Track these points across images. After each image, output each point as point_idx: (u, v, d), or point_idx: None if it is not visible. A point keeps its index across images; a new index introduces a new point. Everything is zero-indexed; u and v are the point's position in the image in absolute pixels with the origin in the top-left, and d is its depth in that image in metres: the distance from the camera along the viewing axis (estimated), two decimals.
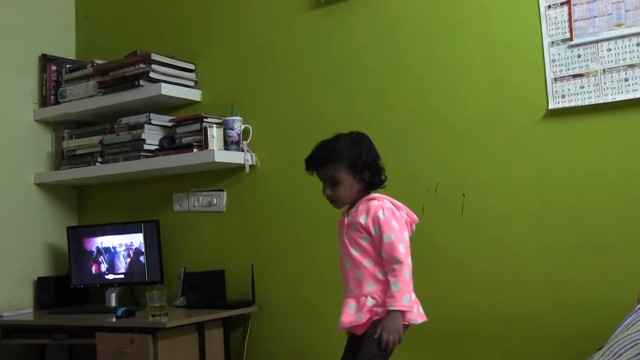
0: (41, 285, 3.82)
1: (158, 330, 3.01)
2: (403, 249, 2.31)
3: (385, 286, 2.34)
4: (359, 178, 2.44)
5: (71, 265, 3.81)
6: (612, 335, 2.33)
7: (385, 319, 2.31)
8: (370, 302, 2.36)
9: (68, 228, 3.88)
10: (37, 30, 4.02)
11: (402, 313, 2.30)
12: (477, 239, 2.90)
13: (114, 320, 3.20)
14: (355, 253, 2.41)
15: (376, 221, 2.35)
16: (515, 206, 2.82)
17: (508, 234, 2.83)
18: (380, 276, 2.36)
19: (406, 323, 2.34)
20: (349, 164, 2.42)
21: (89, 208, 4.15)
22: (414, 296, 2.37)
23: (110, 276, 3.75)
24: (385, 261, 2.33)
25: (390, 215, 2.36)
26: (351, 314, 2.40)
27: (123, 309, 3.26)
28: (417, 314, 2.39)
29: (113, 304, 3.69)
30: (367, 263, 2.37)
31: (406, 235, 2.38)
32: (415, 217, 2.49)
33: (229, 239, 3.58)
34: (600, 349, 2.32)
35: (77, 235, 3.84)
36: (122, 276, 3.72)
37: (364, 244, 2.38)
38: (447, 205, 2.96)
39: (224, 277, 3.46)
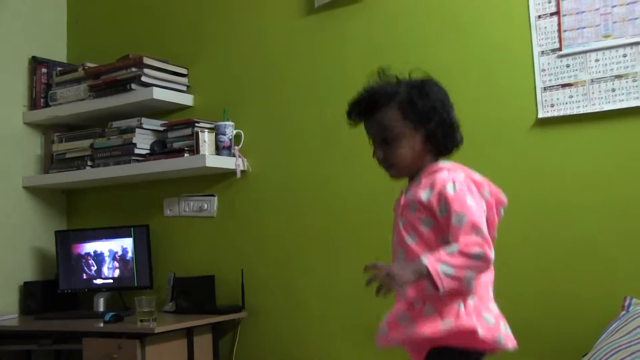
0: (27, 290, 3.82)
1: (146, 336, 3.03)
2: (479, 237, 1.74)
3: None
4: (424, 133, 1.88)
5: (59, 269, 3.83)
6: (597, 341, 2.41)
7: (405, 266, 1.74)
8: (429, 310, 1.79)
9: (56, 232, 3.91)
10: (28, 32, 4.05)
11: (428, 277, 1.69)
12: None
13: (101, 325, 3.22)
14: (411, 242, 1.83)
15: (443, 198, 1.77)
16: (506, 215, 2.87)
17: (498, 241, 2.86)
18: None
19: (438, 286, 1.69)
20: (410, 111, 1.88)
21: (78, 212, 4.17)
22: (494, 309, 1.88)
23: (99, 281, 3.77)
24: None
25: (464, 190, 1.79)
26: (400, 327, 1.83)
27: (111, 314, 3.29)
28: (503, 334, 1.84)
29: (101, 309, 3.71)
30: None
31: (484, 216, 1.81)
32: (503, 197, 1.91)
33: (219, 244, 3.62)
34: (585, 355, 2.41)
35: (66, 239, 3.86)
36: (111, 281, 3.74)
37: (425, 230, 1.82)
38: None
39: (213, 283, 3.50)
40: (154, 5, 3.99)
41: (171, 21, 3.90)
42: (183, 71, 3.76)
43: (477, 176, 1.87)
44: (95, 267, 3.80)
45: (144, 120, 3.67)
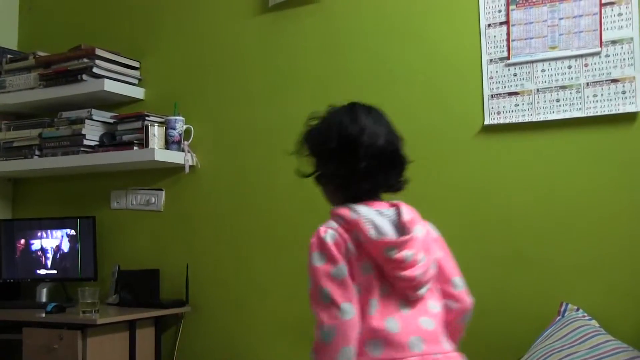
0: None
1: (88, 327, 2.97)
2: (322, 299, 1.53)
3: None
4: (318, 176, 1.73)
5: (2, 259, 3.72)
6: (532, 345, 2.41)
7: None
8: None
9: (1, 221, 3.80)
10: None
11: None
12: None
13: (43, 315, 3.14)
14: None
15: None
16: (447, 217, 2.82)
17: None
18: None
19: None
20: (311, 154, 1.74)
21: (24, 202, 4.07)
22: None
23: (42, 271, 3.67)
24: None
25: (314, 245, 1.58)
26: None
27: (53, 304, 3.22)
28: None
29: (43, 299, 3.63)
30: None
31: (336, 273, 1.54)
32: (376, 239, 1.56)
33: (165, 239, 3.55)
34: (520, 359, 2.40)
35: (10, 228, 3.76)
36: (55, 272, 3.65)
37: None
38: None
39: (158, 277, 3.42)
40: None
41: (125, 13, 3.82)
42: (135, 64, 3.68)
43: (368, 230, 1.57)
44: (39, 257, 3.70)
45: (94, 111, 3.59)
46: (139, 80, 3.69)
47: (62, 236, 3.66)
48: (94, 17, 3.91)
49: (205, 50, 3.53)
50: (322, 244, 1.56)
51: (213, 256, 3.40)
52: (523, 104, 2.73)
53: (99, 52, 3.51)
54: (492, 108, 2.79)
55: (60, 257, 3.66)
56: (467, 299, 1.79)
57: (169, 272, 3.45)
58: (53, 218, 3.74)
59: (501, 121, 2.77)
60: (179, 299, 3.37)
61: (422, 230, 1.65)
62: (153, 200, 3.60)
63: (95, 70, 3.50)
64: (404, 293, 1.57)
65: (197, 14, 3.57)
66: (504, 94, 2.77)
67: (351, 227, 1.57)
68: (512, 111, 2.75)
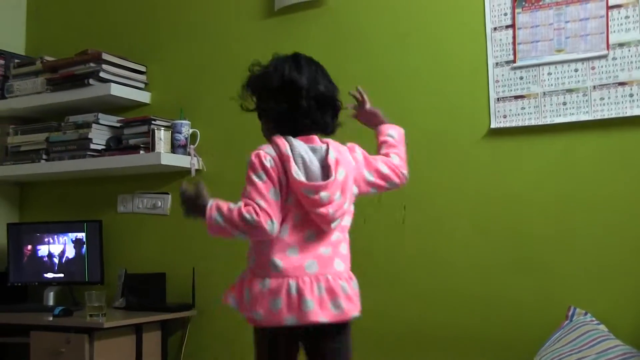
0: None
1: (95, 331, 2.97)
2: (257, 203, 1.79)
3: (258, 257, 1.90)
4: (261, 110, 1.99)
5: (9, 262, 3.71)
6: (540, 349, 2.38)
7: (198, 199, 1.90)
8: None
9: (8, 225, 3.78)
10: None
11: (203, 212, 1.87)
12: (416, 251, 2.92)
13: (50, 319, 3.13)
14: None
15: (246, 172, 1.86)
16: (454, 221, 2.85)
17: (446, 248, 2.86)
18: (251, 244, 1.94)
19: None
20: (252, 90, 2.03)
21: (31, 205, 4.06)
22: (268, 284, 1.83)
23: (50, 275, 3.66)
24: None
25: (253, 164, 1.85)
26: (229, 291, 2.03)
27: (60, 308, 3.20)
28: (261, 306, 1.84)
29: (51, 303, 3.62)
30: None
31: (273, 194, 1.81)
32: (299, 180, 1.81)
33: (171, 242, 3.54)
34: None
35: (18, 232, 3.74)
36: (62, 275, 3.64)
37: None
38: (388, 217, 2.98)
39: (164, 280, 3.41)
40: (114, 2, 3.89)
41: (131, 18, 3.81)
42: (141, 68, 3.68)
43: (287, 152, 1.83)
44: (47, 261, 3.68)
45: (100, 115, 3.59)
46: (145, 84, 3.68)
47: (69, 240, 3.64)
48: (100, 22, 3.90)
49: (211, 55, 3.51)
50: (263, 166, 1.81)
51: (219, 260, 3.36)
52: (529, 107, 2.71)
53: (105, 56, 3.50)
54: (498, 111, 2.77)
55: (67, 261, 3.64)
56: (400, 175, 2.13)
57: (175, 275, 3.43)
58: (60, 222, 3.73)
59: (507, 124, 2.75)
60: (185, 303, 3.35)
61: (343, 172, 1.87)
62: (159, 204, 3.58)
63: (101, 74, 3.49)
64: (317, 225, 1.83)
65: (203, 18, 3.55)
66: (510, 97, 2.75)
67: (283, 160, 1.81)
68: (519, 114, 2.73)
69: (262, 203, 1.78)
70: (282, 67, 1.93)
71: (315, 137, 1.91)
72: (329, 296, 1.82)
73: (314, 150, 1.87)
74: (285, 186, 1.83)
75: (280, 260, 1.82)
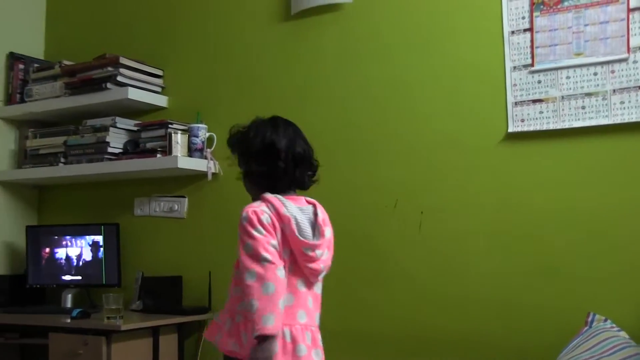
0: None
1: (112, 333, 2.97)
2: (263, 262, 1.88)
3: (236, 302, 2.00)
4: (246, 171, 2.10)
5: (28, 264, 3.72)
6: (559, 356, 2.34)
7: (253, 349, 1.88)
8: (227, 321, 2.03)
9: (27, 227, 3.79)
10: (5, 28, 3.93)
11: (271, 337, 1.86)
12: (433, 256, 2.89)
13: (68, 321, 3.14)
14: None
15: (240, 226, 1.95)
16: (472, 226, 2.82)
17: (463, 253, 2.83)
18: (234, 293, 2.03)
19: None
20: (238, 153, 2.12)
21: (49, 208, 4.07)
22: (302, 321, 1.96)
23: (67, 277, 3.67)
24: (240, 279, 1.94)
25: (252, 221, 1.92)
26: (211, 328, 2.14)
27: (78, 310, 3.22)
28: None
29: (68, 305, 3.63)
30: (237, 273, 2.02)
31: (274, 243, 1.92)
32: (301, 239, 1.96)
33: (188, 246, 3.53)
34: None
35: (36, 235, 3.76)
36: (80, 278, 3.65)
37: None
38: (405, 222, 2.95)
39: (181, 283, 3.41)
40: (132, 6, 3.90)
41: (148, 22, 3.82)
42: (158, 72, 3.68)
43: (284, 211, 1.97)
44: (64, 264, 3.69)
45: (118, 119, 3.59)
46: (162, 88, 3.69)
47: (87, 243, 3.65)
48: (118, 26, 3.91)
49: (228, 58, 3.51)
50: (260, 222, 1.92)
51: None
52: (547, 111, 2.67)
53: (123, 60, 3.51)
54: (516, 115, 2.73)
55: (84, 264, 3.65)
56: None
57: (191, 278, 3.43)
58: (77, 224, 3.74)
59: (525, 129, 2.71)
60: (201, 306, 3.35)
61: (329, 231, 2.07)
62: (176, 207, 3.58)
63: (119, 78, 3.49)
64: (307, 277, 2.01)
65: (220, 22, 3.55)
66: (527, 101, 2.71)
67: (281, 220, 1.95)
68: (537, 118, 2.69)
69: (268, 256, 1.89)
70: (262, 131, 2.06)
71: (302, 198, 2.08)
72: (313, 345, 1.99)
73: (302, 210, 2.03)
74: (280, 242, 1.96)
75: None
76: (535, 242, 2.68)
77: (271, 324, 1.83)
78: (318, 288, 2.08)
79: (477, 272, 2.79)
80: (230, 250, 3.33)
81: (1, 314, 3.44)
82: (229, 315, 2.04)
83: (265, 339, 1.85)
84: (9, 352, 3.70)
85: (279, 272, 1.89)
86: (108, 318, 3.02)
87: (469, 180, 2.83)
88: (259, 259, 1.88)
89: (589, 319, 2.42)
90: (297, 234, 1.96)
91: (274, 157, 2.02)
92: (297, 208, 2.01)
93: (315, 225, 2.04)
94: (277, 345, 1.89)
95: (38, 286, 3.76)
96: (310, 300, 2.03)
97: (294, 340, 1.93)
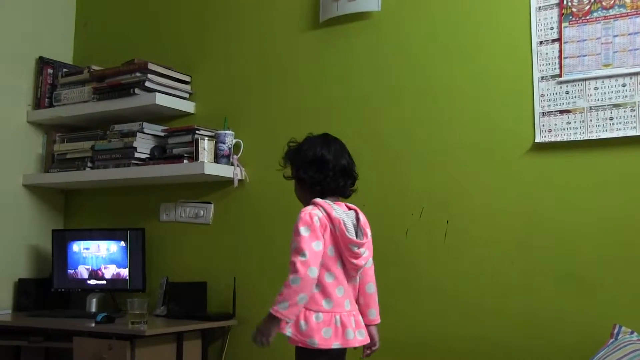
0: (22, 287, 3.78)
1: (136, 338, 3.01)
2: (301, 257, 2.22)
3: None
4: (298, 178, 2.45)
5: (54, 268, 3.80)
6: None
7: (262, 319, 2.29)
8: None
9: (53, 231, 3.87)
10: (36, 33, 4.03)
11: (277, 319, 2.24)
12: (458, 266, 2.93)
13: (92, 325, 3.19)
14: None
15: (295, 225, 2.30)
16: (497, 237, 2.86)
17: (489, 263, 2.86)
18: None
19: (282, 332, 2.28)
20: (291, 162, 2.47)
21: (75, 213, 4.14)
22: (321, 317, 2.27)
23: (93, 282, 3.73)
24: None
25: (304, 221, 2.28)
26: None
27: (103, 314, 3.26)
28: (317, 334, 2.26)
29: (93, 309, 3.68)
30: None
31: (316, 245, 2.25)
32: (350, 238, 2.30)
33: (213, 252, 3.59)
34: None
35: (62, 238, 3.83)
36: (105, 282, 3.71)
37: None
38: (430, 231, 3.00)
39: (206, 289, 3.47)
40: (160, 12, 3.97)
41: (176, 28, 3.89)
42: (186, 78, 3.74)
43: (335, 214, 2.31)
44: (90, 268, 3.76)
45: (145, 125, 3.66)
46: (190, 94, 3.75)
47: (112, 247, 3.71)
48: (146, 32, 3.99)
49: (256, 65, 3.56)
50: (311, 223, 2.27)
51: (260, 270, 3.42)
52: (575, 122, 2.71)
53: (151, 66, 3.57)
54: (543, 125, 2.78)
55: (109, 268, 3.71)
56: None
57: (216, 285, 3.49)
58: (103, 229, 3.81)
59: (552, 139, 2.76)
60: (226, 312, 3.40)
61: (369, 234, 2.41)
62: (202, 213, 3.64)
63: (147, 84, 3.55)
64: (349, 271, 2.37)
65: (248, 28, 3.61)
66: (555, 111, 2.76)
67: (332, 221, 2.30)
68: (564, 129, 2.74)
69: (307, 252, 2.23)
70: (314, 145, 2.43)
71: (343, 204, 2.43)
72: (357, 327, 2.36)
73: (346, 214, 2.38)
74: (328, 240, 2.32)
75: (330, 298, 2.31)
76: (562, 254, 2.71)
77: (283, 310, 2.21)
78: (356, 281, 2.44)
79: (503, 282, 2.82)
80: (255, 256, 3.44)
81: (26, 317, 3.51)
82: None
83: (272, 318, 2.24)
84: (34, 355, 3.76)
85: (310, 271, 2.22)
86: (132, 323, 3.04)
87: (495, 190, 2.87)
88: (299, 254, 2.23)
89: (615, 331, 2.45)
90: (347, 232, 2.30)
91: (323, 168, 2.38)
92: (343, 212, 2.37)
93: (357, 227, 2.39)
94: (276, 330, 2.27)
95: (63, 290, 3.83)
96: (351, 291, 2.40)
97: (343, 325, 2.30)
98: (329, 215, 2.32)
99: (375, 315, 2.49)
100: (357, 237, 2.35)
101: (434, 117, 3.05)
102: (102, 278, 3.73)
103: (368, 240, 2.41)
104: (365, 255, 2.39)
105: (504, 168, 2.87)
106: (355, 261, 2.35)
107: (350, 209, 2.44)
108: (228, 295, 3.42)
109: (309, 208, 2.34)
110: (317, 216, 2.30)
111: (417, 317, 2.99)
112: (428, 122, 3.06)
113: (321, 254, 2.27)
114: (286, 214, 3.32)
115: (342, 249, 2.33)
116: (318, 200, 2.36)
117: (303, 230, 2.27)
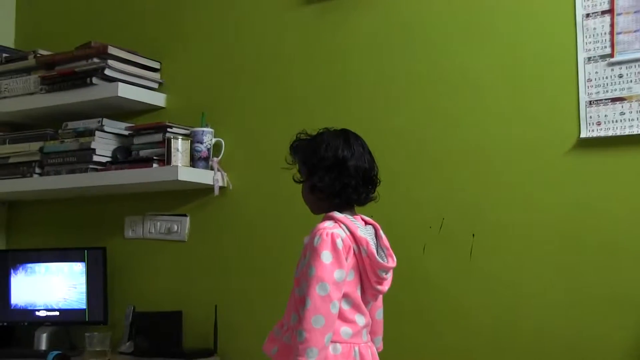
0: None
1: None
2: (320, 291, 2.16)
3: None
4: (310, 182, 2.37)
5: None
6: None
7: None
8: (286, 338, 2.32)
9: None
10: None
11: None
12: (488, 288, 2.91)
13: None
14: (295, 275, 2.32)
15: (310, 246, 2.22)
16: (535, 251, 2.85)
17: (525, 283, 2.85)
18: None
19: None
20: (302, 162, 2.39)
21: (21, 229, 4.14)
22: (339, 349, 2.24)
23: (43, 313, 3.72)
24: (298, 300, 2.24)
25: (326, 244, 2.20)
26: (269, 341, 2.41)
27: (55, 353, 3.27)
28: None
29: (43, 347, 3.65)
30: (297, 291, 2.27)
31: (338, 275, 2.19)
32: (381, 262, 2.28)
33: (190, 275, 3.58)
34: None
35: (4, 261, 3.81)
36: (57, 314, 3.70)
37: (301, 267, 2.29)
38: (453, 247, 2.99)
39: (181, 320, 3.44)
40: None
41: (143, 5, 3.88)
42: (155, 65, 3.74)
43: (360, 234, 2.26)
44: (38, 296, 3.73)
45: (105, 121, 3.65)
46: (160, 84, 3.75)
47: (67, 271, 3.69)
48: (106, 10, 3.98)
49: (239, 49, 3.56)
50: (334, 247, 2.20)
51: (248, 296, 3.41)
52: (631, 112, 2.69)
53: (112, 50, 3.55)
54: (591, 117, 2.75)
55: (63, 296, 3.69)
56: None
57: (193, 314, 3.47)
58: (56, 249, 3.80)
59: (602, 134, 2.73)
60: (205, 348, 3.38)
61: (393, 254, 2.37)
62: (176, 228, 3.63)
63: (107, 72, 3.54)
64: (369, 297, 2.35)
65: (229, 6, 3.61)
66: (605, 99, 2.73)
67: (357, 242, 2.25)
68: (617, 121, 2.71)
69: (328, 285, 2.17)
70: (334, 145, 2.32)
71: (359, 216, 2.39)
72: (373, 359, 2.38)
73: (366, 231, 2.34)
74: (350, 264, 2.26)
75: (349, 328, 2.27)
76: (611, 270, 2.70)
77: (312, 358, 2.14)
78: (369, 307, 2.40)
79: (540, 305, 2.81)
80: (241, 279, 3.41)
81: None
82: (289, 331, 2.32)
83: None
84: None
85: (333, 307, 2.17)
86: None
87: (532, 197, 2.86)
88: (318, 287, 2.16)
89: None
90: (377, 256, 2.27)
91: (345, 174, 2.30)
92: (364, 229, 2.33)
93: (379, 246, 2.35)
94: None
95: (6, 324, 3.81)
96: (369, 320, 2.38)
97: (361, 357, 2.29)
98: (352, 235, 2.26)
99: (379, 343, 2.52)
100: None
101: (454, 109, 3.04)
102: (54, 308, 3.70)
103: (394, 263, 2.36)
104: (389, 280, 2.37)
105: (542, 170, 2.85)
106: (379, 287, 2.33)
107: (367, 223, 2.40)
108: (208, 327, 3.39)
109: (329, 225, 2.26)
110: (340, 237, 2.23)
111: (438, 346, 2.99)
112: (448, 116, 3.05)
113: (343, 284, 2.23)
114: (277, 227, 3.37)
115: (368, 273, 2.29)
116: (337, 215, 2.30)
117: (325, 256, 2.19)
